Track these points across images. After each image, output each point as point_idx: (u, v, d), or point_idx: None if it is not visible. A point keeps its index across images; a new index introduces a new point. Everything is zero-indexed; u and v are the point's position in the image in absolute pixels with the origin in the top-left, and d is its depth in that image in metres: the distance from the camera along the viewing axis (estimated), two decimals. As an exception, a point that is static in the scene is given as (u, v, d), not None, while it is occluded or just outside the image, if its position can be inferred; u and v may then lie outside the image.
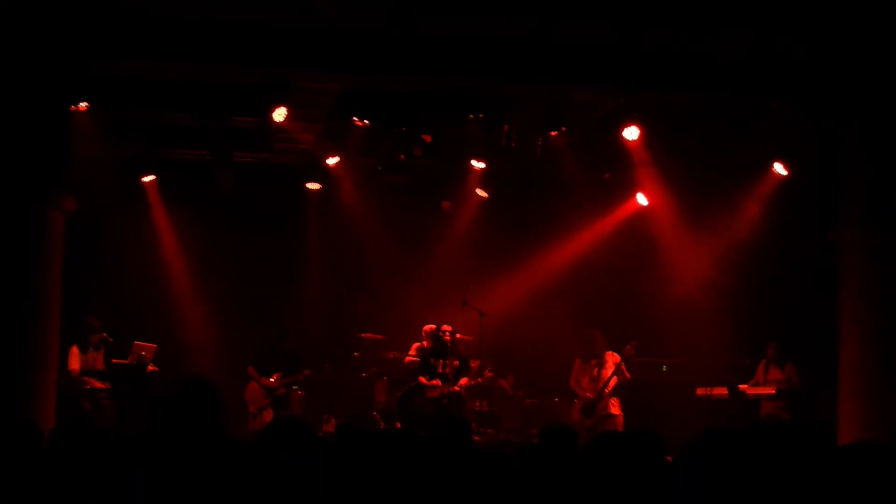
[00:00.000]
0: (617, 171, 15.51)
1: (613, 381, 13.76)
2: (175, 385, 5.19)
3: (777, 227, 15.02)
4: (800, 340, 14.22)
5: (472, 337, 14.86)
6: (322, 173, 15.91)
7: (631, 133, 13.62)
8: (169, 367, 14.12)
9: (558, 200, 16.26)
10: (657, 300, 15.87)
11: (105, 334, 14.03)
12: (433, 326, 14.55)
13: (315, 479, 4.45)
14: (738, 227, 15.45)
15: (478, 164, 15.66)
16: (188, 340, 15.38)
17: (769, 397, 14.02)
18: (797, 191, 14.57)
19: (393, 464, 4.70)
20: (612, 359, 13.91)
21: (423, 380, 14.23)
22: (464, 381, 14.21)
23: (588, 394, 13.83)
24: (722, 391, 14.31)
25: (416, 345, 14.72)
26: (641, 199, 15.98)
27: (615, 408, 13.84)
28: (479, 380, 14.34)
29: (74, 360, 13.73)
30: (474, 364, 14.51)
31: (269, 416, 14.45)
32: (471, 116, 14.53)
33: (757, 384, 14.27)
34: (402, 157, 15.37)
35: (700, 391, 14.54)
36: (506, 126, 15.39)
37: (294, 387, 14.75)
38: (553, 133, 14.06)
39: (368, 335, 15.37)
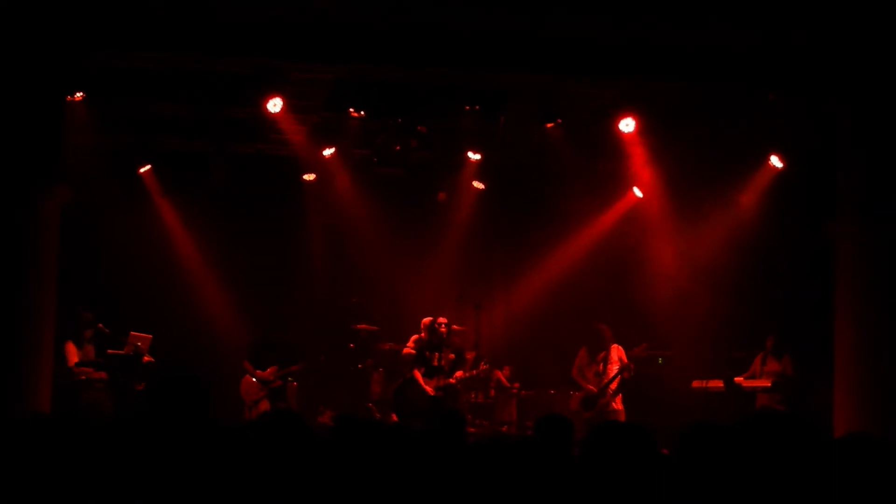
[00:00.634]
0: (613, 164, 15.50)
1: (617, 379, 13.81)
2: (159, 376, 5.18)
3: (773, 219, 15.04)
4: (796, 332, 14.24)
5: (469, 328, 14.85)
6: (317, 164, 15.90)
7: (626, 125, 13.62)
8: (165, 357, 14.11)
9: (554, 193, 16.26)
10: (653, 292, 15.87)
11: (101, 325, 14.01)
12: (430, 319, 14.54)
13: (308, 471, 4.45)
14: (735, 220, 15.46)
15: (474, 156, 15.66)
16: (184, 331, 15.36)
17: (765, 390, 14.02)
18: (793, 183, 14.58)
19: (387, 456, 4.69)
20: (617, 352, 13.94)
21: (417, 374, 14.21)
22: (459, 373, 14.20)
23: (591, 387, 13.85)
24: (718, 384, 14.30)
25: (414, 336, 14.71)
26: (637, 192, 15.99)
27: (617, 403, 13.87)
28: (475, 372, 14.33)
29: (73, 356, 13.73)
30: (469, 356, 14.50)
31: (264, 407, 14.43)
32: (466, 108, 14.53)
33: (753, 376, 14.27)
34: (398, 148, 15.35)
35: (696, 384, 14.54)
36: (502, 118, 15.39)
37: (289, 379, 14.73)
38: (549, 125, 14.05)
39: (364, 326, 15.35)
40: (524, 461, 4.83)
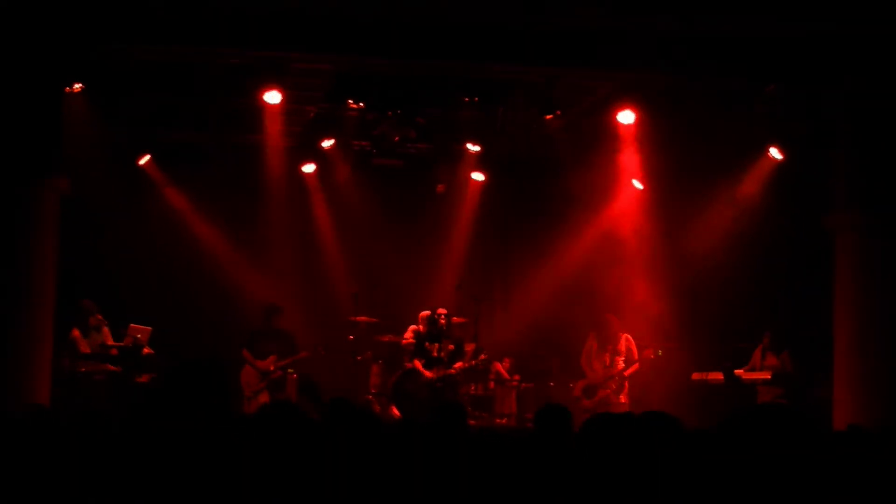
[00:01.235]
0: (612, 155, 15.48)
1: (624, 371, 13.95)
2: (171, 368, 5.18)
3: (772, 211, 15.03)
4: (796, 326, 14.23)
5: (468, 319, 14.86)
6: (317, 155, 15.91)
7: (626, 117, 13.61)
8: (164, 349, 14.11)
9: (554, 184, 16.24)
10: (652, 284, 15.86)
11: (99, 315, 14.01)
12: (429, 312, 14.55)
13: (307, 462, 4.46)
14: (734, 212, 15.45)
15: (473, 148, 15.66)
16: (184, 323, 15.35)
17: (765, 382, 14.01)
18: (792, 175, 14.57)
19: (385, 446, 4.70)
20: (626, 343, 14.05)
21: (418, 364, 14.24)
22: (458, 364, 14.22)
23: (598, 377, 13.97)
24: (717, 376, 14.29)
25: (412, 327, 14.72)
26: (637, 184, 15.98)
27: (624, 397, 13.94)
28: (474, 363, 14.35)
29: (82, 345, 13.72)
30: (469, 348, 14.51)
31: (264, 398, 14.45)
32: (465, 99, 14.52)
33: (753, 369, 14.26)
34: (397, 139, 15.36)
35: (695, 376, 14.53)
36: (500, 109, 15.39)
37: (289, 370, 14.74)
38: (548, 116, 14.04)
39: (363, 318, 15.35)
40: (523, 453, 4.84)
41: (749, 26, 11.40)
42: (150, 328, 14.12)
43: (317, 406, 6.33)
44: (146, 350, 14.00)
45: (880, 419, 10.88)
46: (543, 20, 11.32)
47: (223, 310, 15.90)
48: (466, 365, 14.30)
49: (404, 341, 14.75)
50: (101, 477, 4.61)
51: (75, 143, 12.36)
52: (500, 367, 15.47)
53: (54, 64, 11.23)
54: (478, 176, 16.37)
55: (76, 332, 13.67)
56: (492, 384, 14.98)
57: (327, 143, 15.59)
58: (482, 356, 14.40)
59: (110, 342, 13.90)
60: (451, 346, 14.32)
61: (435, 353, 14.26)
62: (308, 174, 16.27)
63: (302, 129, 15.64)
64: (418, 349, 14.35)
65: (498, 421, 14.63)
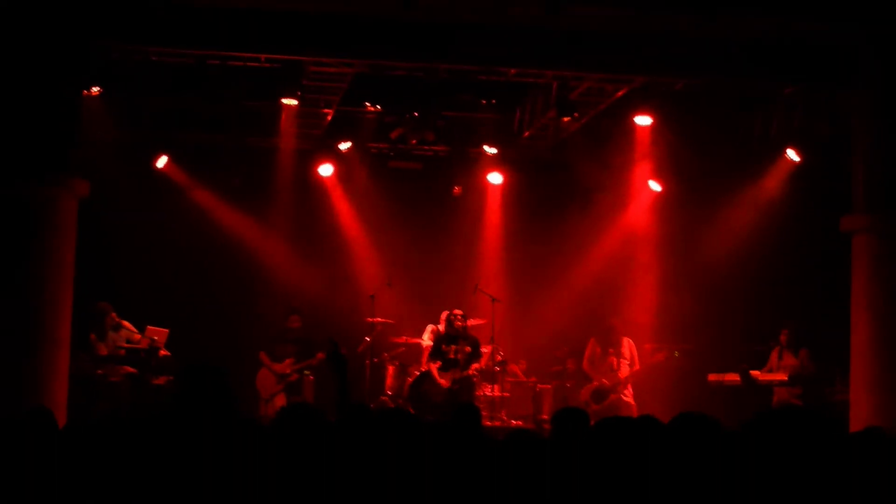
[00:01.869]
0: (629, 158, 15.46)
1: (630, 374, 13.95)
2: (181, 371, 5.19)
3: (791, 213, 15.00)
4: (815, 326, 14.19)
5: (485, 321, 14.86)
6: (334, 158, 15.93)
7: (643, 120, 13.60)
8: (181, 352, 14.13)
9: (571, 186, 16.23)
10: (669, 286, 15.84)
11: (115, 315, 14.03)
12: (447, 312, 14.54)
13: (326, 464, 4.46)
14: (751, 214, 15.42)
15: (490, 150, 15.66)
16: (201, 325, 15.37)
17: (782, 383, 13.98)
18: (810, 177, 14.54)
19: (401, 448, 4.70)
20: (629, 347, 14.06)
21: (433, 368, 14.20)
22: (475, 366, 14.20)
23: (604, 380, 13.97)
24: (734, 377, 14.25)
25: (432, 327, 14.73)
26: (654, 186, 15.96)
27: (628, 396, 13.95)
28: (491, 364, 14.33)
29: (99, 347, 13.76)
30: (486, 349, 14.49)
31: (281, 401, 14.45)
32: (483, 102, 14.53)
33: (770, 370, 14.22)
34: (414, 141, 15.38)
35: (712, 377, 14.49)
36: (518, 112, 15.39)
37: (306, 372, 14.76)
38: (565, 119, 14.03)
39: (379, 320, 15.35)
40: (539, 454, 4.83)
41: (767, 28, 11.37)
42: (167, 330, 14.14)
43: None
44: (163, 352, 14.02)
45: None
46: (561, 22, 11.30)
47: (240, 312, 15.91)
48: (483, 367, 14.29)
49: (424, 342, 14.75)
50: (114, 478, 4.62)
51: (93, 145, 12.40)
52: (517, 369, 15.45)
53: (72, 66, 11.26)
54: (495, 178, 16.36)
55: (92, 336, 13.71)
56: (508, 386, 14.96)
57: (344, 146, 15.62)
58: (498, 357, 14.39)
59: (137, 336, 13.94)
60: (468, 349, 14.30)
61: (451, 355, 14.25)
62: (325, 177, 16.28)
63: (319, 132, 15.67)
64: (435, 350, 14.34)
65: (514, 423, 14.60)
